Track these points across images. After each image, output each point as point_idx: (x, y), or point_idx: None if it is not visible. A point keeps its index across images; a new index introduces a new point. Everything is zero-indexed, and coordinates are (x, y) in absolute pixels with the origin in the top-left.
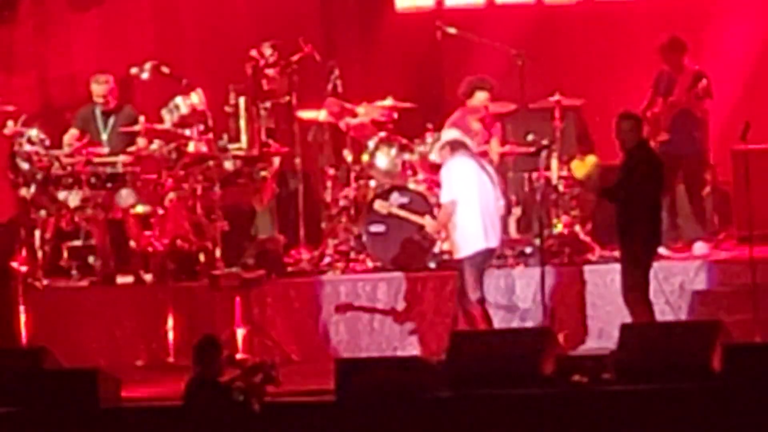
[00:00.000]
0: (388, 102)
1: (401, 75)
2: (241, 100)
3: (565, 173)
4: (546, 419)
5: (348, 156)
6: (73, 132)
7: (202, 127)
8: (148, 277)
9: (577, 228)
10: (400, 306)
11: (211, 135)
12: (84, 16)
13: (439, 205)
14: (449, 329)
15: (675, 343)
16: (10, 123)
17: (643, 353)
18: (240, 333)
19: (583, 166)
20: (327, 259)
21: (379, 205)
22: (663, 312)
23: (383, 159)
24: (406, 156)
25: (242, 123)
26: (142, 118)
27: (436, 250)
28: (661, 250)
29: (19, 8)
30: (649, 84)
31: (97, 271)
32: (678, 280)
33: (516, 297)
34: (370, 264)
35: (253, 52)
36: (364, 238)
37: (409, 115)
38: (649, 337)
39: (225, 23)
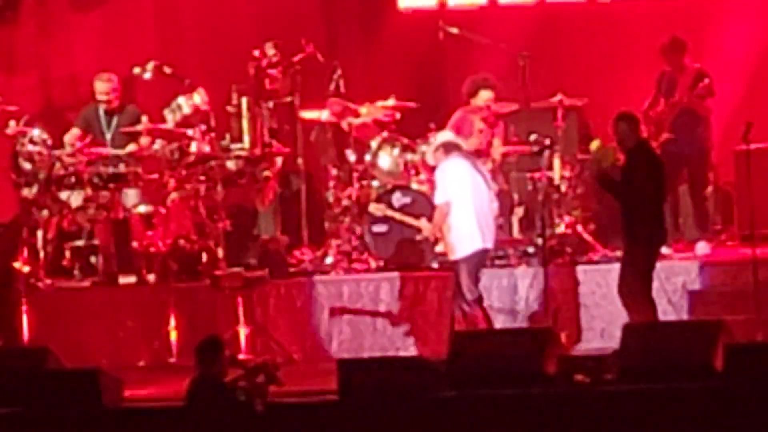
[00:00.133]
0: (391, 102)
1: (404, 75)
2: (244, 100)
3: (567, 173)
4: (548, 419)
5: (350, 156)
6: (74, 132)
7: (204, 127)
8: (150, 277)
9: (580, 228)
10: (403, 306)
11: (213, 135)
12: (86, 16)
13: None
14: (449, 331)
15: (677, 343)
16: (12, 123)
17: (645, 353)
18: (242, 333)
19: (599, 147)
20: (329, 259)
21: (374, 208)
22: (665, 312)
23: (386, 159)
24: (409, 156)
25: (245, 123)
26: (144, 118)
27: (438, 249)
28: (663, 250)
29: (21, 8)
30: (651, 84)
31: (99, 272)
32: (680, 280)
33: (518, 297)
34: (372, 264)
35: (256, 52)
36: (367, 238)
37: (411, 115)
38: (651, 337)
39: (227, 23)
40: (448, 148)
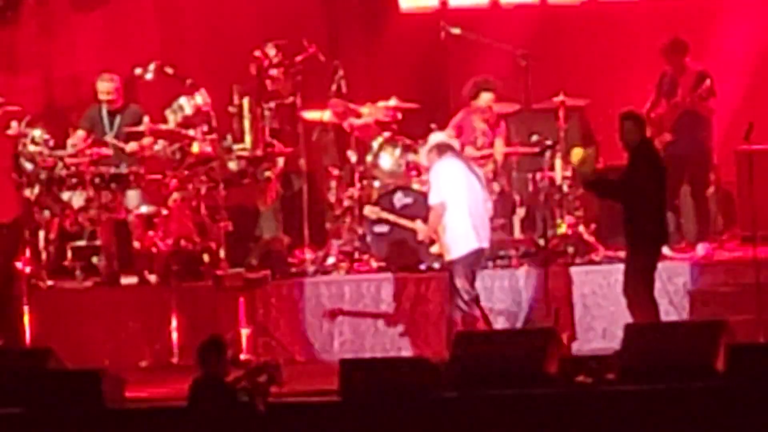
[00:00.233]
0: (392, 102)
1: (405, 75)
2: (245, 101)
3: (569, 173)
4: (550, 420)
5: (352, 156)
6: (80, 134)
7: (206, 128)
8: (152, 278)
9: (581, 228)
10: (404, 306)
11: (215, 135)
12: (88, 17)
13: None
14: (447, 332)
15: (679, 344)
16: (14, 123)
17: (647, 353)
18: (244, 333)
19: (578, 154)
20: (331, 260)
21: (369, 211)
22: (667, 312)
23: (387, 159)
24: (410, 156)
25: (246, 123)
26: (146, 119)
27: (433, 251)
28: (665, 251)
29: (22, 8)
30: (653, 84)
31: (101, 272)
32: (682, 281)
33: (519, 298)
34: (374, 264)
35: (257, 53)
36: (368, 238)
37: (413, 115)
38: (653, 338)
39: (229, 24)
40: (442, 149)
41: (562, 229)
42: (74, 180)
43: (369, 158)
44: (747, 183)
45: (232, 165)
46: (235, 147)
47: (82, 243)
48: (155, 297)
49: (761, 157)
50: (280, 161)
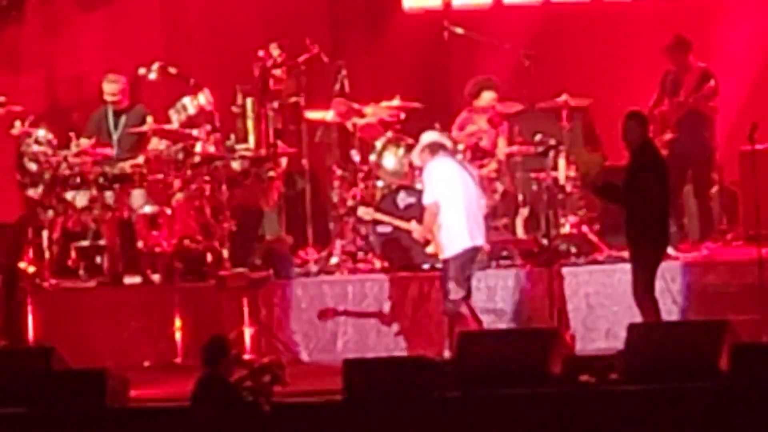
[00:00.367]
0: (396, 102)
1: (409, 75)
2: (249, 101)
3: (572, 173)
4: (553, 419)
5: (355, 156)
6: (84, 141)
7: (209, 128)
8: (155, 278)
9: (585, 228)
10: (407, 306)
11: (218, 135)
12: (91, 16)
13: None
14: (447, 331)
15: (682, 343)
16: (17, 123)
17: (650, 353)
18: (247, 333)
19: (584, 161)
20: (334, 260)
21: (363, 212)
22: (670, 312)
23: (391, 159)
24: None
25: (250, 123)
26: (150, 119)
27: (429, 251)
28: (669, 250)
29: (26, 8)
30: (656, 83)
31: (104, 272)
32: (685, 280)
33: (523, 297)
34: (377, 264)
35: (261, 53)
36: (372, 238)
37: (416, 115)
38: (656, 337)
39: (232, 24)
40: (434, 148)
41: (566, 229)
42: (78, 180)
43: (372, 158)
44: (750, 182)
45: (236, 165)
46: (239, 147)
47: (85, 243)
48: (159, 297)
49: (765, 157)
50: (284, 161)
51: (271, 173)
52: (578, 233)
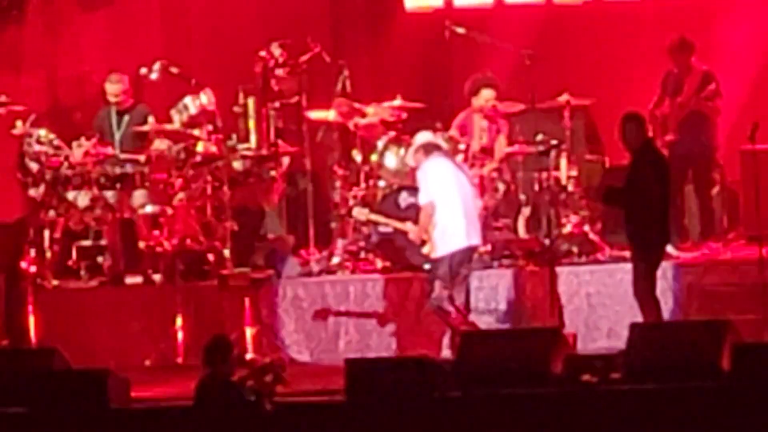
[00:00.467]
0: (397, 102)
1: (410, 75)
2: (250, 101)
3: (574, 173)
4: (555, 419)
5: (357, 156)
6: (85, 143)
7: (211, 127)
8: (157, 278)
9: (587, 228)
10: (409, 306)
11: (220, 135)
12: (93, 16)
13: None
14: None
15: (684, 343)
16: (19, 123)
17: (652, 353)
18: (249, 333)
19: (586, 169)
20: (336, 260)
21: (357, 212)
22: (672, 312)
23: (392, 159)
24: None
25: (251, 123)
26: (151, 118)
27: (425, 251)
28: (670, 250)
29: (27, 8)
30: (658, 84)
31: (106, 272)
32: (687, 280)
33: (524, 297)
34: (379, 264)
35: (262, 53)
36: (373, 238)
37: (418, 114)
38: (658, 337)
39: (234, 23)
40: (428, 148)
41: (568, 229)
42: (79, 179)
43: (374, 158)
44: (752, 183)
45: (237, 165)
46: (240, 146)
47: (87, 243)
48: (160, 297)
49: (766, 157)
50: (285, 161)
51: (273, 173)
52: (580, 233)
